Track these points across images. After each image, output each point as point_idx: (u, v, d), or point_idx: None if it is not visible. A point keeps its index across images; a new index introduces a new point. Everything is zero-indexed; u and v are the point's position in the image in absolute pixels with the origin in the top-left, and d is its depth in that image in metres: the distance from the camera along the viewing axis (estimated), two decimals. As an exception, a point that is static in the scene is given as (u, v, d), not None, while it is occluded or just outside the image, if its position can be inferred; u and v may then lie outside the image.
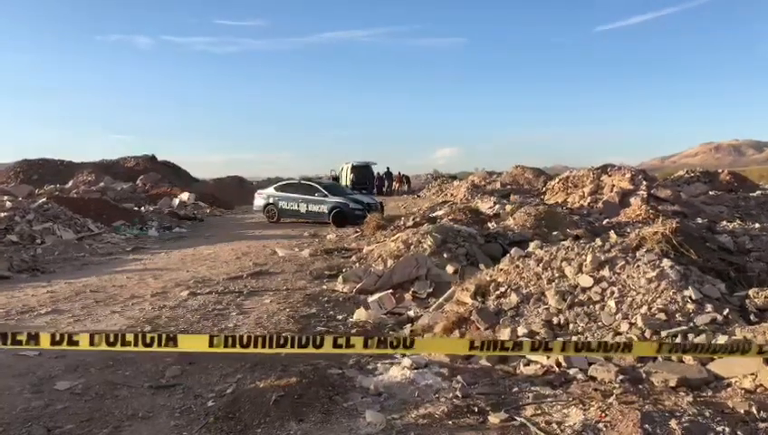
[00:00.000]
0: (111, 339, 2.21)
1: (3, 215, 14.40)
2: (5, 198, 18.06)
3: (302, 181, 20.67)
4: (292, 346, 2.22)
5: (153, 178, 33.94)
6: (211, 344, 2.20)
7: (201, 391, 4.55)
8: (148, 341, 2.23)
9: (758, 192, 20.52)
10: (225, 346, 2.22)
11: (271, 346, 2.21)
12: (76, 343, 2.23)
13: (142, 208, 22.24)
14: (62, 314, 7.28)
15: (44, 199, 17.30)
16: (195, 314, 7.22)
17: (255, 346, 2.22)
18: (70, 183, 31.15)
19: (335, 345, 2.25)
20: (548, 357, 4.78)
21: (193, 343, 2.47)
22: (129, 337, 2.23)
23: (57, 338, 2.18)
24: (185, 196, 26.53)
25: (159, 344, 2.21)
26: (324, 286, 8.90)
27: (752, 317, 5.38)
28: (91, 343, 2.18)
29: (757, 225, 10.75)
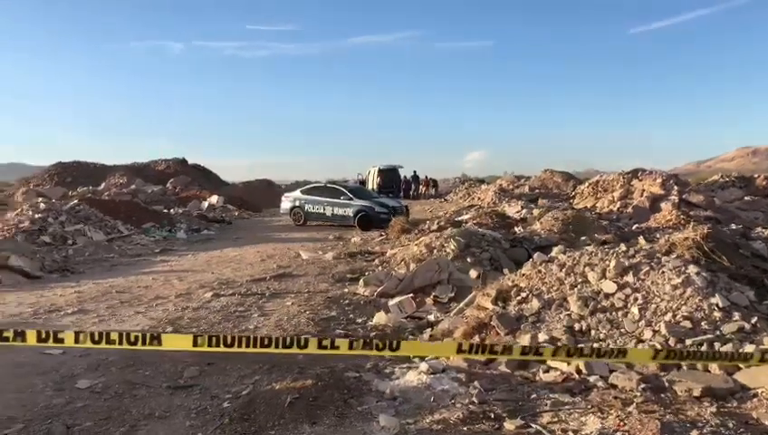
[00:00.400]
0: (96, 337, 2.24)
1: (37, 216, 14.79)
2: (40, 199, 18.55)
3: (328, 185, 20.71)
4: (276, 347, 2.23)
5: (183, 181, 34.52)
6: (195, 344, 2.22)
7: (218, 392, 4.58)
8: (132, 339, 2.25)
9: (796, 198, 19.86)
10: (210, 346, 2.23)
11: (255, 346, 2.22)
12: (61, 341, 2.27)
13: (172, 211, 22.61)
14: (87, 314, 7.42)
15: (77, 201, 17.71)
16: (216, 316, 7.30)
17: (240, 346, 2.23)
18: (102, 185, 31.87)
19: (320, 346, 2.24)
20: (568, 364, 4.69)
21: (177, 343, 2.50)
22: (114, 335, 2.26)
23: (43, 335, 2.23)
24: (214, 199, 26.87)
25: (144, 343, 2.23)
26: (346, 289, 8.90)
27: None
28: (76, 341, 2.22)
29: (793, 231, 10.41)
